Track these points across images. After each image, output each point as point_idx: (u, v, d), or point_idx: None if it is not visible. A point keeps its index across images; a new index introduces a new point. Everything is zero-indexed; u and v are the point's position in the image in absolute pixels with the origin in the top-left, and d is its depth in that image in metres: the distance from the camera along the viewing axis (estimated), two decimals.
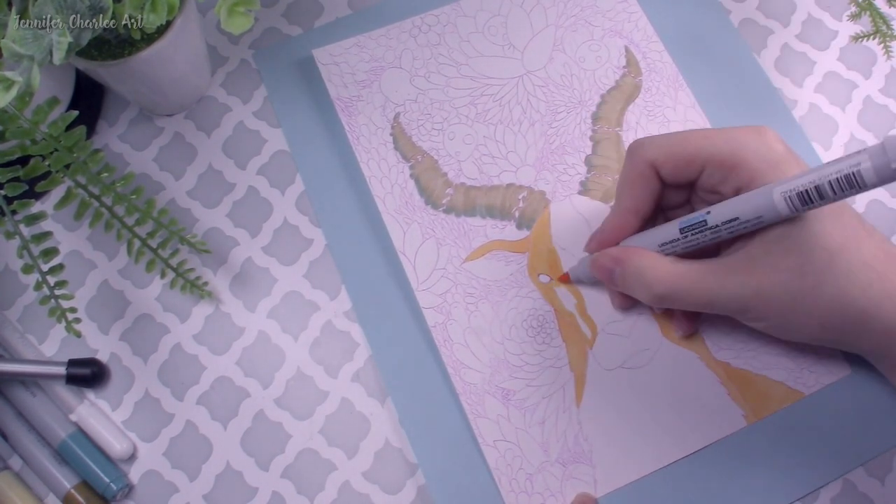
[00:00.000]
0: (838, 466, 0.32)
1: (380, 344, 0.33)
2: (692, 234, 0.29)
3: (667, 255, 0.30)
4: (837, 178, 0.24)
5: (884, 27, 0.34)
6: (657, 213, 0.32)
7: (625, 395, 0.32)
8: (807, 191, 0.25)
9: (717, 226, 0.28)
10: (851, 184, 0.24)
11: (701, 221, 0.28)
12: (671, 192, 0.31)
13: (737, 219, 0.27)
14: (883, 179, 0.23)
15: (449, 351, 0.33)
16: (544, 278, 0.34)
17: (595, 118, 0.37)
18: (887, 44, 0.34)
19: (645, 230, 0.31)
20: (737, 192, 0.28)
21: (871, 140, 0.38)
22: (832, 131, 0.38)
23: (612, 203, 0.35)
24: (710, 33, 0.39)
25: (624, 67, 0.38)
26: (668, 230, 0.30)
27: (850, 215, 0.28)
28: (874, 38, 0.34)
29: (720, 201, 0.28)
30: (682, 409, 0.32)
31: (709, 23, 0.39)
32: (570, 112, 0.37)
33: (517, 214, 0.35)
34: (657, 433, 0.32)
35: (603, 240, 0.32)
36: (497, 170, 0.36)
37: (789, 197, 0.26)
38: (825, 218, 0.27)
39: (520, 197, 0.35)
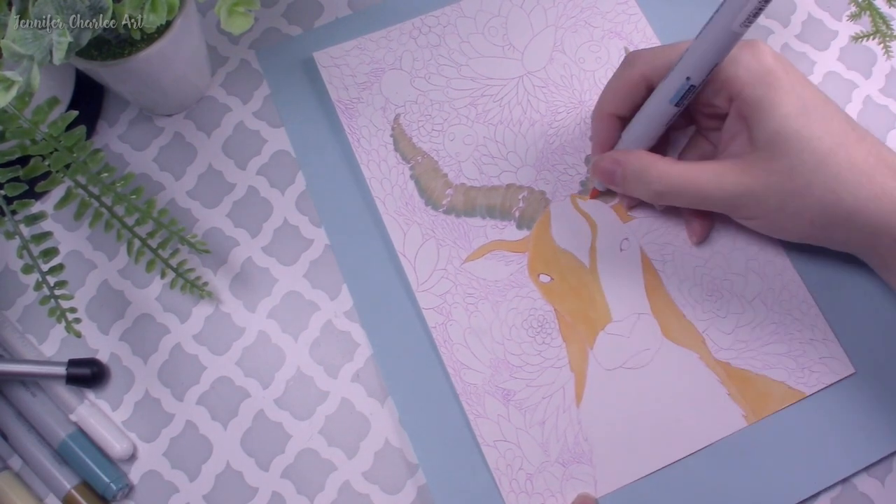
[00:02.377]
0: (840, 468, 0.32)
1: (381, 344, 0.33)
2: (685, 101, 0.30)
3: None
4: None
5: (884, 27, 0.34)
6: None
7: (625, 395, 0.32)
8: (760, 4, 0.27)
9: (699, 82, 0.30)
10: None
11: (689, 87, 0.30)
12: None
13: (715, 64, 0.29)
14: None
15: (449, 351, 0.33)
16: (545, 278, 0.34)
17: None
18: (887, 44, 0.34)
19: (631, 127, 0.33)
20: (730, 104, 0.31)
21: None
22: None
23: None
24: None
25: None
26: (661, 109, 0.31)
27: (840, 120, 0.29)
28: (874, 38, 0.34)
29: (714, 115, 0.32)
30: (682, 409, 0.32)
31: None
32: (569, 112, 0.37)
33: (517, 215, 0.35)
34: (657, 433, 0.32)
35: (596, 147, 0.34)
36: (497, 170, 0.36)
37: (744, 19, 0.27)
38: (815, 123, 0.28)
39: (520, 197, 0.35)
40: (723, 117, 0.32)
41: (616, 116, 0.33)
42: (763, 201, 0.29)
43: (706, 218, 0.34)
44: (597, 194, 0.35)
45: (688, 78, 0.29)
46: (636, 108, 0.32)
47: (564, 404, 0.32)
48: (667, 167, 0.31)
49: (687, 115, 0.33)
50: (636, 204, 0.35)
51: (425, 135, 0.36)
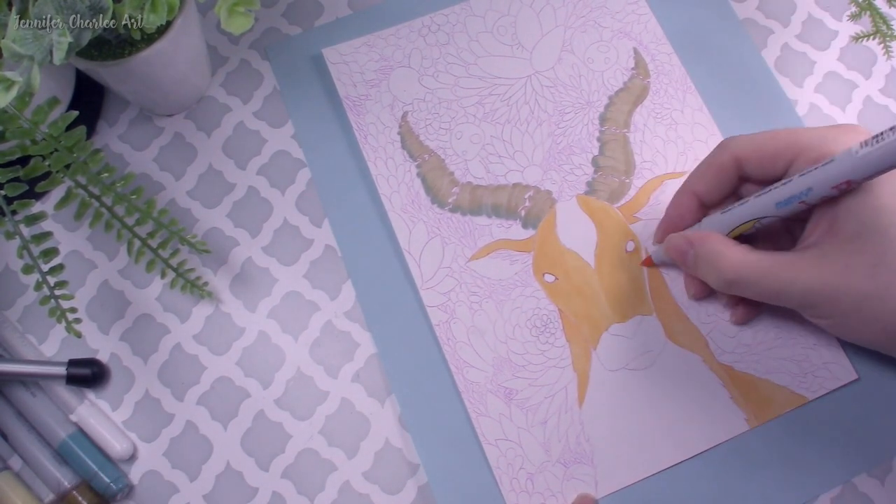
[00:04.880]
0: (840, 473, 0.32)
1: (384, 341, 0.33)
2: (790, 210, 0.28)
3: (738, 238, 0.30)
4: None
5: (884, 27, 0.33)
6: (718, 205, 0.32)
7: (627, 396, 0.32)
8: (882, 132, 0.25)
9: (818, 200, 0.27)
10: None
11: (800, 194, 0.27)
12: (752, 187, 0.31)
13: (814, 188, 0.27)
14: None
15: (452, 349, 0.33)
16: (549, 278, 0.34)
17: (602, 119, 0.37)
18: (887, 44, 0.34)
19: (715, 215, 0.31)
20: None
21: None
22: None
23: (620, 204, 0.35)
24: (720, 36, 0.38)
25: (632, 69, 0.37)
26: (760, 208, 0.29)
27: None
28: (874, 38, 0.34)
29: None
30: (684, 411, 0.32)
31: (718, 25, 0.39)
32: (577, 113, 0.37)
33: (523, 214, 0.35)
34: (659, 435, 0.32)
35: (667, 221, 0.32)
36: (504, 169, 0.36)
37: (865, 140, 0.25)
38: None
39: (526, 196, 0.35)
40: (810, 209, 0.29)
41: (698, 197, 0.31)
42: (839, 300, 0.27)
43: (754, 305, 0.32)
44: (650, 264, 0.34)
45: (810, 189, 0.27)
46: (722, 192, 0.31)
47: (567, 404, 0.32)
48: (741, 255, 0.29)
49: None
50: (705, 294, 0.33)
51: (433, 133, 0.36)
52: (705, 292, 0.33)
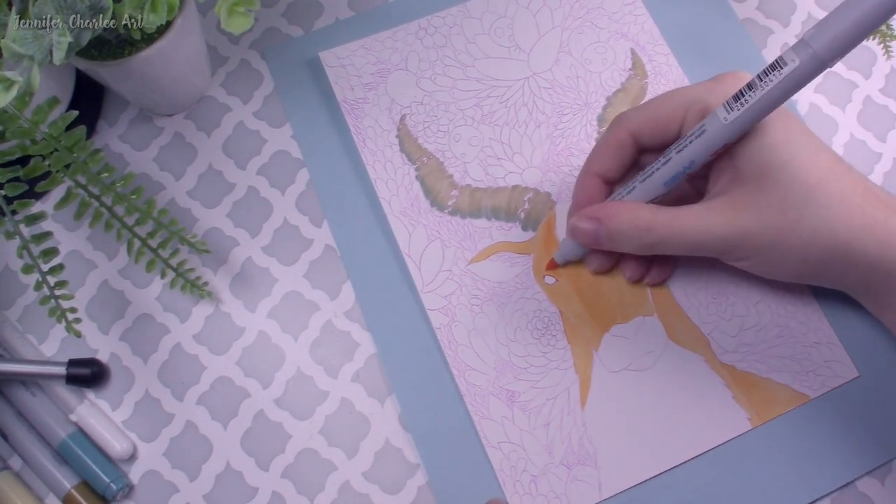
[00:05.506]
0: (845, 472, 0.31)
1: (385, 345, 0.33)
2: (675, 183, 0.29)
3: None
4: (764, 70, 0.26)
5: (884, 27, 0.33)
6: (621, 180, 0.32)
7: (630, 397, 0.32)
8: (740, 90, 0.26)
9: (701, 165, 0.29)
10: (774, 66, 0.25)
11: (683, 170, 0.29)
12: (650, 156, 0.31)
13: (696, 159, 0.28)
14: (804, 61, 0.25)
15: (454, 352, 0.33)
16: (550, 280, 0.34)
17: (601, 120, 0.36)
18: (887, 44, 0.34)
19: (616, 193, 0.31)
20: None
21: (871, 140, 0.37)
22: (832, 131, 0.37)
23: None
24: (717, 36, 0.38)
25: (630, 70, 0.37)
26: (650, 188, 0.30)
27: (826, 154, 0.28)
28: (874, 38, 0.34)
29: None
30: (686, 411, 0.32)
31: (716, 25, 0.38)
32: (575, 114, 0.37)
33: (523, 216, 0.35)
34: (662, 436, 0.32)
35: (577, 208, 0.32)
36: (503, 171, 0.36)
37: (727, 102, 0.27)
38: (802, 154, 0.28)
39: (525, 198, 0.35)
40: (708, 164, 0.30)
41: (602, 177, 0.31)
42: (755, 239, 0.28)
43: (669, 263, 0.33)
44: (553, 266, 0.33)
45: (692, 161, 0.28)
46: (623, 168, 0.31)
47: (569, 406, 0.32)
48: (651, 216, 0.29)
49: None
50: (611, 265, 0.33)
51: (431, 136, 0.36)
52: (610, 263, 0.33)
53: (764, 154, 0.28)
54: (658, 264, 0.33)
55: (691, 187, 0.32)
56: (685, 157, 0.28)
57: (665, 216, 0.29)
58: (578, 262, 0.34)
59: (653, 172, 0.30)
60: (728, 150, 0.29)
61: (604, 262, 0.33)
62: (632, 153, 0.31)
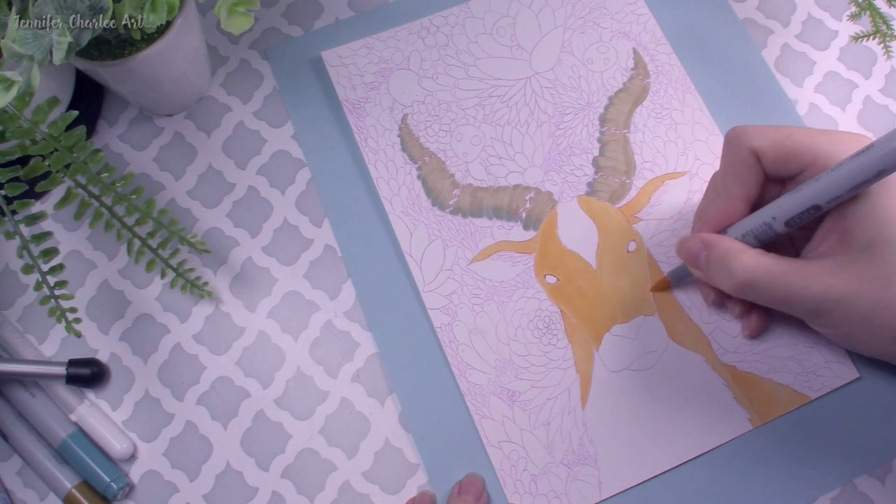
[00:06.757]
0: (844, 472, 0.31)
1: (386, 344, 0.33)
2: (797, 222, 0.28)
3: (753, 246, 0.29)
4: None
5: (884, 27, 0.33)
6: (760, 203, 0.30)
7: (630, 397, 0.32)
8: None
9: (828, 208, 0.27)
10: None
11: (813, 207, 0.27)
12: (769, 186, 0.30)
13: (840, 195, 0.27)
14: None
15: (454, 352, 0.33)
16: (551, 279, 0.34)
17: (603, 120, 0.36)
18: (887, 44, 0.34)
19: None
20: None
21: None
22: None
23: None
24: (720, 36, 0.38)
25: (632, 69, 0.37)
26: (775, 228, 0.29)
27: None
28: (874, 38, 0.34)
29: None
30: (687, 411, 0.32)
31: (718, 25, 0.38)
32: (577, 114, 0.37)
33: (524, 215, 0.35)
34: (662, 436, 0.32)
35: (707, 229, 0.31)
36: (504, 171, 0.36)
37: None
38: None
39: (527, 198, 0.35)
40: (819, 219, 0.29)
41: (739, 199, 0.30)
42: (850, 308, 0.27)
43: (765, 313, 0.32)
44: (665, 286, 0.33)
45: (815, 206, 0.27)
46: (755, 187, 0.30)
47: (569, 406, 0.32)
48: (754, 258, 0.28)
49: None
50: (720, 300, 0.32)
51: (433, 135, 0.36)
52: (722, 298, 0.32)
53: (878, 224, 0.27)
54: (757, 313, 0.32)
55: (790, 243, 0.32)
56: (813, 193, 0.27)
57: (767, 260, 0.28)
58: (580, 261, 0.34)
59: (789, 195, 0.28)
60: (840, 209, 0.28)
61: (715, 298, 0.32)
62: (760, 171, 0.29)
